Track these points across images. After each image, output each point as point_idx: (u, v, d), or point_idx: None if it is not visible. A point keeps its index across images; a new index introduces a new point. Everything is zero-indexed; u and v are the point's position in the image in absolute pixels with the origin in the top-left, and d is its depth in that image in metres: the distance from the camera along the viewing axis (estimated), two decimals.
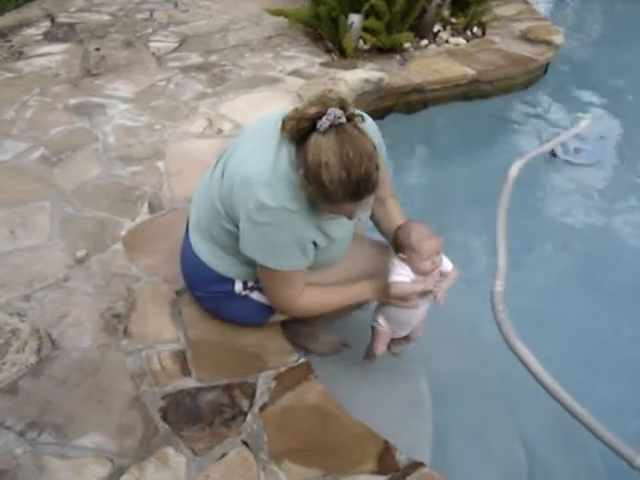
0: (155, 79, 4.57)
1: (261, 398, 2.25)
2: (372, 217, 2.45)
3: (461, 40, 5.46)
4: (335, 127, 1.79)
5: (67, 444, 2.09)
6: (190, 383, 2.29)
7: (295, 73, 4.71)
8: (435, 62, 4.96)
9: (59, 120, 3.99)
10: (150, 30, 5.52)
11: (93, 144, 3.73)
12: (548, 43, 5.36)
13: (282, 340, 2.50)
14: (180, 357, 2.39)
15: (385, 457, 2.06)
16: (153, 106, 4.19)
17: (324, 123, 1.78)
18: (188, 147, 3.74)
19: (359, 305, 2.46)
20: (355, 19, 4.93)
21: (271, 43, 5.30)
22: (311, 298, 2.23)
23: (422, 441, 2.36)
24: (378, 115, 4.32)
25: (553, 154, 4.42)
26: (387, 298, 2.23)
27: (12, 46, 5.07)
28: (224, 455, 2.06)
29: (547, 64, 5.36)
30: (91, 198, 3.24)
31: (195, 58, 4.96)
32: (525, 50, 5.24)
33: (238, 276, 2.29)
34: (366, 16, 4.98)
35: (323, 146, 1.79)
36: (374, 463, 2.04)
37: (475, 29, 5.71)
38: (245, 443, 2.09)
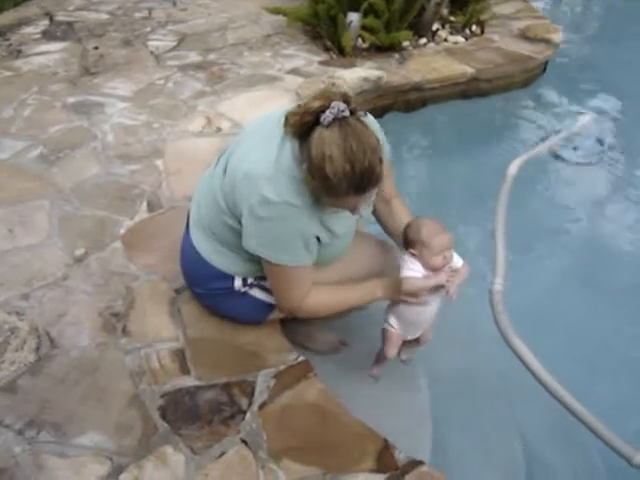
0: (154, 78, 4.57)
1: (260, 396, 2.24)
2: (378, 217, 2.46)
3: (460, 38, 5.46)
4: (339, 120, 1.79)
5: (66, 443, 2.08)
6: (189, 382, 2.29)
7: (294, 72, 4.71)
8: (434, 60, 4.96)
9: (57, 119, 3.98)
10: (149, 29, 5.51)
11: (92, 143, 3.73)
12: (547, 41, 5.36)
13: (281, 338, 2.50)
14: (179, 355, 2.39)
15: (384, 455, 2.06)
16: (152, 105, 4.18)
17: (328, 116, 1.79)
18: (187, 146, 3.73)
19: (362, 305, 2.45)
20: (354, 17, 4.92)
21: (270, 42, 5.30)
22: (318, 298, 2.21)
23: (421, 440, 2.35)
24: (377, 114, 4.31)
25: (552, 152, 4.42)
26: (398, 295, 2.20)
27: (10, 44, 5.06)
28: (223, 454, 2.06)
29: (546, 62, 5.36)
30: (90, 197, 3.24)
31: (194, 57, 4.96)
32: (524, 48, 5.24)
33: (238, 273, 2.29)
34: (365, 14, 4.98)
35: (327, 139, 1.79)
36: (373, 461, 2.04)
37: (474, 27, 5.71)
38: (244, 442, 2.09)
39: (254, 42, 5.27)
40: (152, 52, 5.02)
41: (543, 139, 4.57)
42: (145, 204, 3.19)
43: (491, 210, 3.61)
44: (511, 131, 4.93)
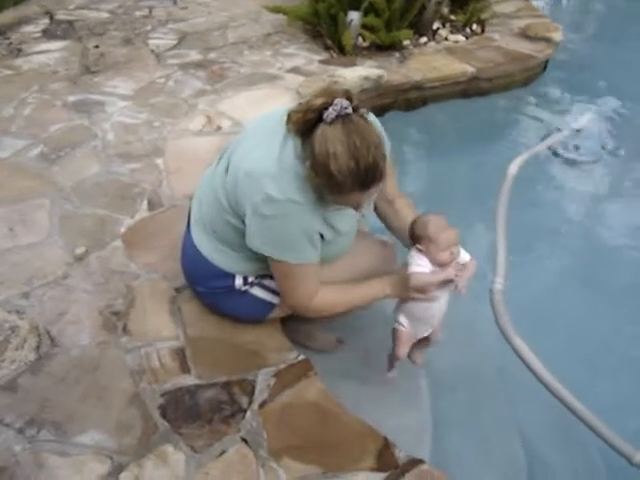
0: (154, 76, 4.57)
1: (260, 395, 2.24)
2: (382, 218, 2.46)
3: (460, 37, 5.46)
4: (342, 117, 1.79)
5: (66, 441, 2.08)
6: (189, 380, 2.29)
7: (294, 70, 4.71)
8: (434, 59, 4.96)
9: (58, 117, 3.98)
10: (149, 27, 5.52)
11: (92, 141, 3.73)
12: (547, 40, 5.36)
13: (282, 337, 2.50)
14: (179, 354, 2.39)
15: (384, 454, 2.06)
16: (152, 103, 4.18)
17: (331, 113, 1.79)
18: (187, 144, 3.74)
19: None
20: (354, 16, 4.93)
21: (270, 40, 5.30)
22: (327, 297, 2.21)
23: (421, 438, 2.36)
24: (377, 112, 4.27)
25: (552, 151, 4.42)
26: (407, 291, 2.19)
27: (11, 43, 5.06)
28: (223, 452, 2.06)
29: (546, 61, 5.37)
30: (90, 195, 3.24)
31: (194, 55, 4.96)
32: (524, 47, 5.24)
33: (239, 271, 2.29)
34: (365, 13, 4.99)
35: (330, 136, 1.79)
36: (373, 460, 2.04)
37: (474, 26, 5.71)
38: (244, 440, 2.09)
39: (254, 41, 5.27)
40: (153, 51, 5.02)
41: (544, 138, 4.57)
42: (145, 203, 3.19)
43: (491, 209, 3.61)
44: (511, 130, 4.93)
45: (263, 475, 2.00)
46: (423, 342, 2.39)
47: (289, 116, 1.94)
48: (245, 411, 2.19)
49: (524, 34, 5.49)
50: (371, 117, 2.00)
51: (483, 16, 5.78)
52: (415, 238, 2.18)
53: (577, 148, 4.48)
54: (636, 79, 5.50)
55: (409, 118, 4.71)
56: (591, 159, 4.42)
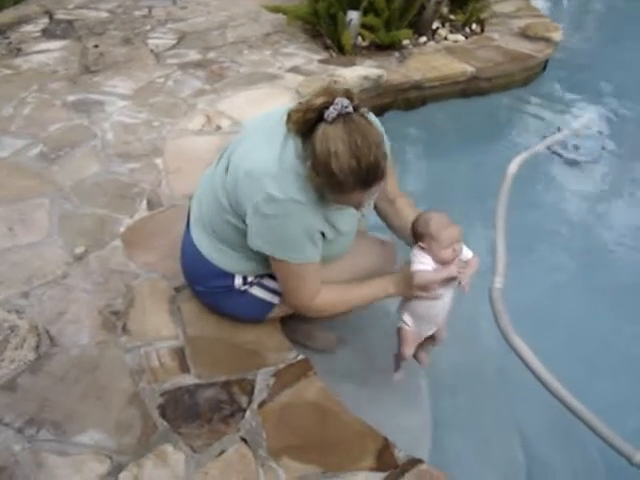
0: (153, 76, 4.57)
1: (260, 395, 2.24)
2: (383, 217, 2.46)
3: (460, 37, 5.47)
4: (343, 116, 1.79)
5: (66, 441, 2.08)
6: (189, 380, 2.29)
7: (294, 70, 4.71)
8: (434, 59, 4.97)
9: (57, 117, 3.99)
10: (148, 27, 5.52)
11: (91, 141, 3.73)
12: (547, 40, 5.37)
13: (281, 337, 2.50)
14: (179, 354, 2.39)
15: (384, 454, 2.06)
16: (151, 103, 4.18)
17: (331, 113, 1.79)
18: (187, 144, 3.74)
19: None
20: (354, 16, 4.93)
21: (270, 40, 5.30)
22: (329, 297, 2.21)
23: (421, 438, 2.36)
24: (377, 112, 4.26)
25: (552, 151, 4.42)
26: (410, 290, 2.18)
27: (10, 43, 5.07)
28: (223, 452, 2.06)
29: (546, 61, 5.37)
30: (90, 195, 3.24)
31: (193, 55, 4.96)
32: (524, 47, 5.24)
33: (238, 271, 2.29)
34: (365, 13, 4.99)
35: (331, 135, 1.79)
36: (373, 460, 2.04)
37: (474, 26, 5.72)
38: (244, 440, 2.09)
39: (254, 40, 5.27)
40: (152, 50, 5.02)
41: (543, 138, 4.57)
42: (145, 202, 3.19)
43: (491, 209, 3.61)
44: (511, 130, 4.93)
45: (262, 475, 2.00)
46: (428, 341, 2.38)
47: (289, 116, 1.94)
48: (244, 411, 2.19)
49: (524, 34, 5.50)
50: (371, 117, 2.00)
51: (483, 16, 5.79)
52: (417, 236, 2.17)
53: (577, 148, 4.48)
54: (636, 79, 5.50)
55: (408, 118, 4.71)
56: (591, 159, 4.42)
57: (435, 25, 5.56)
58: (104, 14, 5.80)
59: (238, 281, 2.31)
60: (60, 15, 5.72)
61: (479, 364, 2.81)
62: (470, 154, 4.38)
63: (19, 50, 4.94)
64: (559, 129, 4.67)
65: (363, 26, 5.02)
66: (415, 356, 2.42)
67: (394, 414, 2.43)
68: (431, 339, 2.37)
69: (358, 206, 2.03)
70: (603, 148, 4.55)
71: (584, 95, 5.34)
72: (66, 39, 5.20)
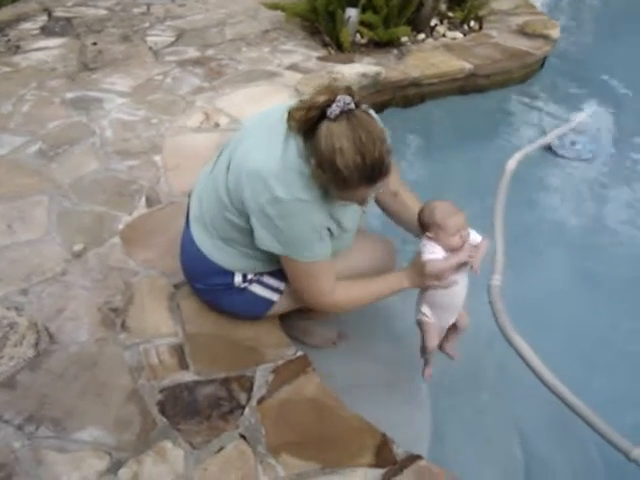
0: (152, 73, 4.57)
1: (259, 391, 2.25)
2: (389, 212, 2.47)
3: (458, 34, 5.47)
4: (345, 113, 1.80)
5: (65, 438, 2.09)
6: (188, 377, 2.29)
7: (292, 67, 4.71)
8: (432, 56, 4.97)
9: (56, 114, 3.99)
10: (147, 24, 5.52)
11: (90, 138, 3.73)
12: (545, 37, 5.37)
13: (280, 333, 2.50)
14: (178, 351, 2.39)
15: (383, 450, 2.06)
16: (150, 100, 4.18)
17: (334, 110, 1.79)
18: (185, 141, 3.74)
19: None
20: (352, 13, 4.93)
21: (268, 37, 5.30)
22: (344, 293, 2.21)
23: (420, 434, 2.36)
24: (375, 109, 4.25)
25: (549, 148, 4.42)
26: (424, 280, 2.19)
27: (9, 40, 5.06)
28: (222, 448, 2.06)
29: (544, 58, 5.37)
30: (88, 192, 3.24)
31: (192, 52, 4.96)
32: (522, 44, 5.25)
33: (238, 269, 2.29)
34: (363, 10, 5.00)
35: (336, 132, 1.80)
36: (372, 456, 2.04)
37: (472, 23, 5.71)
38: (243, 436, 2.10)
39: (252, 38, 5.27)
40: (150, 48, 5.02)
41: (541, 135, 4.57)
42: (144, 200, 3.19)
43: (489, 205, 3.61)
44: (509, 127, 4.93)
45: (261, 471, 2.00)
46: (451, 331, 2.38)
47: (290, 114, 1.94)
48: (243, 407, 2.19)
49: (522, 31, 5.50)
50: (372, 113, 2.00)
51: (481, 13, 5.79)
52: (424, 226, 2.18)
53: (574, 144, 4.48)
54: (633, 75, 5.50)
55: (407, 115, 4.72)
56: (588, 156, 4.42)
57: (433, 22, 5.56)
58: (102, 11, 5.80)
59: (238, 279, 2.31)
60: (59, 13, 5.72)
61: (478, 360, 2.81)
62: (468, 151, 4.39)
63: (18, 47, 4.94)
64: (557, 126, 4.66)
65: (362, 23, 5.02)
66: (442, 349, 2.42)
67: (393, 410, 2.43)
68: (454, 328, 2.37)
69: (362, 202, 2.03)
70: (601, 144, 4.55)
71: (582, 92, 5.35)
72: (65, 37, 5.19)
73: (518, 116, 5.02)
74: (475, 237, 2.20)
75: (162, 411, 2.17)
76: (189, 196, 2.47)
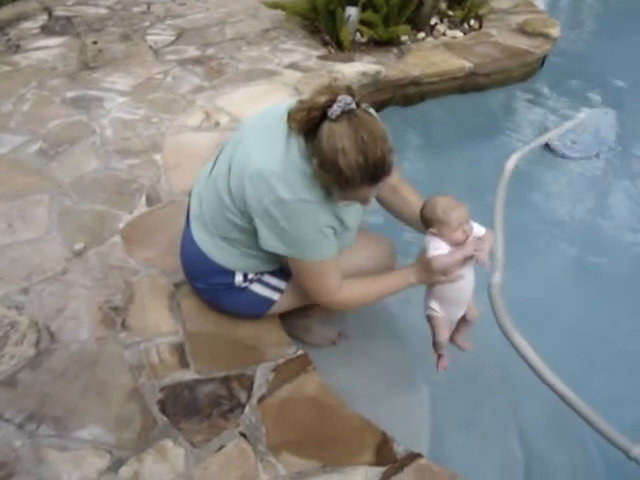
0: (152, 72, 4.57)
1: (259, 390, 2.25)
2: (390, 209, 2.47)
3: (458, 33, 5.47)
4: (347, 113, 1.80)
5: (66, 436, 2.09)
6: (188, 375, 2.30)
7: (292, 66, 4.71)
8: (432, 55, 4.97)
9: (56, 113, 3.99)
10: (147, 23, 5.52)
11: (90, 137, 3.73)
12: (545, 36, 5.37)
13: (280, 332, 2.50)
14: (178, 349, 2.39)
15: (383, 449, 2.06)
16: (150, 99, 4.19)
17: (335, 110, 1.79)
18: (185, 140, 3.74)
19: None
20: (352, 12, 4.93)
21: (268, 36, 5.30)
22: (351, 291, 2.22)
23: (420, 433, 2.36)
24: (375, 108, 4.26)
25: (550, 147, 4.42)
26: (430, 276, 2.20)
27: (9, 39, 5.06)
28: (222, 447, 2.06)
29: (544, 57, 5.38)
30: (89, 191, 3.24)
31: (192, 51, 4.96)
32: (522, 43, 5.25)
33: (239, 268, 2.30)
34: (363, 9, 5.00)
35: (337, 132, 1.79)
36: (372, 454, 2.05)
37: (472, 22, 5.72)
38: (243, 435, 2.10)
39: (252, 37, 5.27)
40: (151, 47, 5.02)
41: (541, 133, 4.57)
42: (144, 198, 3.19)
43: (489, 204, 3.61)
44: (509, 125, 4.93)
45: (262, 470, 2.00)
46: (462, 324, 2.38)
47: (291, 115, 1.93)
48: (244, 406, 2.19)
49: (522, 30, 5.50)
50: (373, 112, 2.00)
51: (481, 12, 5.79)
52: (427, 222, 2.19)
53: (574, 143, 4.48)
54: (633, 74, 5.50)
55: (407, 113, 4.72)
56: (588, 154, 4.42)
57: (433, 21, 5.57)
58: (103, 10, 5.80)
59: (238, 278, 2.31)
60: (59, 12, 5.72)
61: (478, 358, 2.80)
62: (468, 149, 4.39)
63: (18, 47, 4.94)
64: (557, 124, 4.66)
65: (362, 22, 5.02)
66: (453, 342, 2.41)
67: (393, 408, 2.43)
68: (464, 321, 2.37)
69: (364, 201, 2.03)
70: (600, 143, 4.55)
71: (581, 91, 5.34)
72: (65, 36, 5.19)
73: (518, 115, 5.02)
74: (479, 230, 2.21)
75: (162, 410, 2.17)
76: (189, 195, 2.47)
